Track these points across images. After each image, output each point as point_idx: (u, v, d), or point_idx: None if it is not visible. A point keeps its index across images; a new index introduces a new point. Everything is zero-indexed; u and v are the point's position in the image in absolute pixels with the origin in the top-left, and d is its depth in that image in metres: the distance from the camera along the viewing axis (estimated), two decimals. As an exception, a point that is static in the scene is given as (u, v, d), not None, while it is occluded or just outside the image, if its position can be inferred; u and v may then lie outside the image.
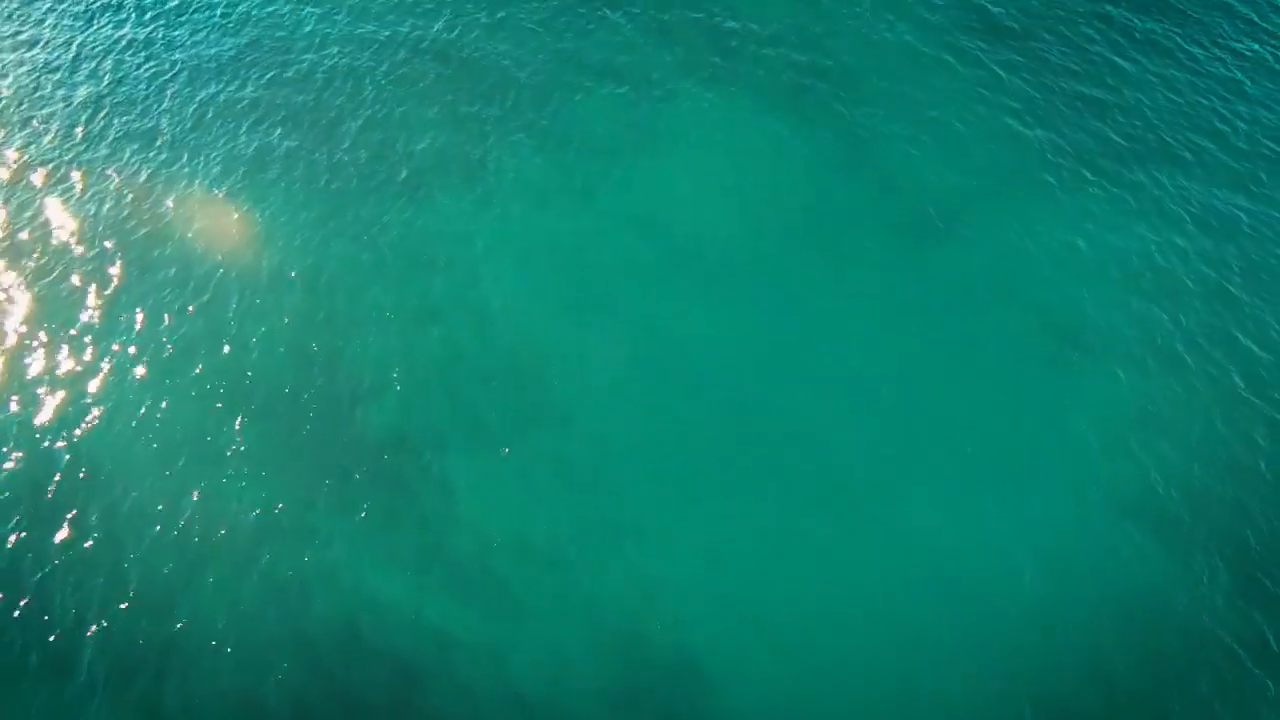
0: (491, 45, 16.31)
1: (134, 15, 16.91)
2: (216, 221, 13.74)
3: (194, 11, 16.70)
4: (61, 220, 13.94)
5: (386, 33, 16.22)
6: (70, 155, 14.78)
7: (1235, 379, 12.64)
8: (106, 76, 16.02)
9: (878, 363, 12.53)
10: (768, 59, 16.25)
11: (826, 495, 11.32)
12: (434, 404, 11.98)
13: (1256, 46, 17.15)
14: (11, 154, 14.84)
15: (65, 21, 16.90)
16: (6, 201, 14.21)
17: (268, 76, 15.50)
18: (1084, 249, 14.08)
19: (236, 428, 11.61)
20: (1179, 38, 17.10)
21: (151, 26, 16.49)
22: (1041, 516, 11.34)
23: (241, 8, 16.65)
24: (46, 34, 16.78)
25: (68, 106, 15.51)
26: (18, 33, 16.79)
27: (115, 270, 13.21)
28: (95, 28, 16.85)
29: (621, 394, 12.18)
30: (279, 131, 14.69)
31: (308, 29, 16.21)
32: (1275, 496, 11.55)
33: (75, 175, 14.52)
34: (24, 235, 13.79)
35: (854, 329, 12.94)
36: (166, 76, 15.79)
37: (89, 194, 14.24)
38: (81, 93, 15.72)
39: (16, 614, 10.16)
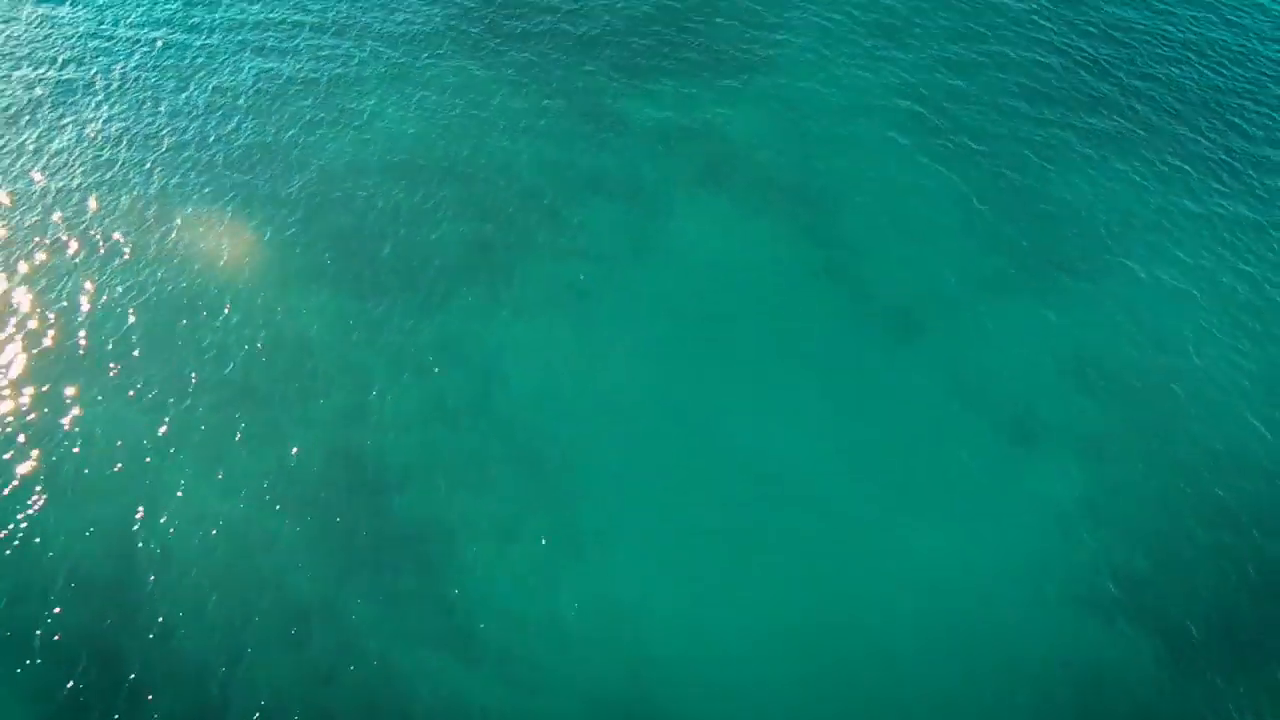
0: (512, 166, 18.15)
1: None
2: (272, 328, 15.22)
3: (248, 152, 18.16)
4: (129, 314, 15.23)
5: (420, 160, 18.09)
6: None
7: (1177, 472, 14.02)
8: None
9: (843, 456, 14.00)
10: (757, 177, 18.17)
11: (792, 581, 12.62)
12: (459, 492, 13.35)
13: (1201, 159, 18.72)
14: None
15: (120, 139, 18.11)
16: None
17: (316, 201, 17.15)
18: (1039, 350, 15.60)
19: (279, 514, 12.91)
20: (1131, 154, 18.80)
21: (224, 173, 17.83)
22: (996, 601, 12.48)
23: (288, 134, 18.30)
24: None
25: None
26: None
27: (163, 371, 14.48)
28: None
29: (627, 482, 13.58)
30: (328, 255, 16.39)
31: (346, 159, 17.97)
32: (1212, 585, 12.80)
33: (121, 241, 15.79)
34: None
35: (826, 424, 14.41)
36: (227, 199, 17.30)
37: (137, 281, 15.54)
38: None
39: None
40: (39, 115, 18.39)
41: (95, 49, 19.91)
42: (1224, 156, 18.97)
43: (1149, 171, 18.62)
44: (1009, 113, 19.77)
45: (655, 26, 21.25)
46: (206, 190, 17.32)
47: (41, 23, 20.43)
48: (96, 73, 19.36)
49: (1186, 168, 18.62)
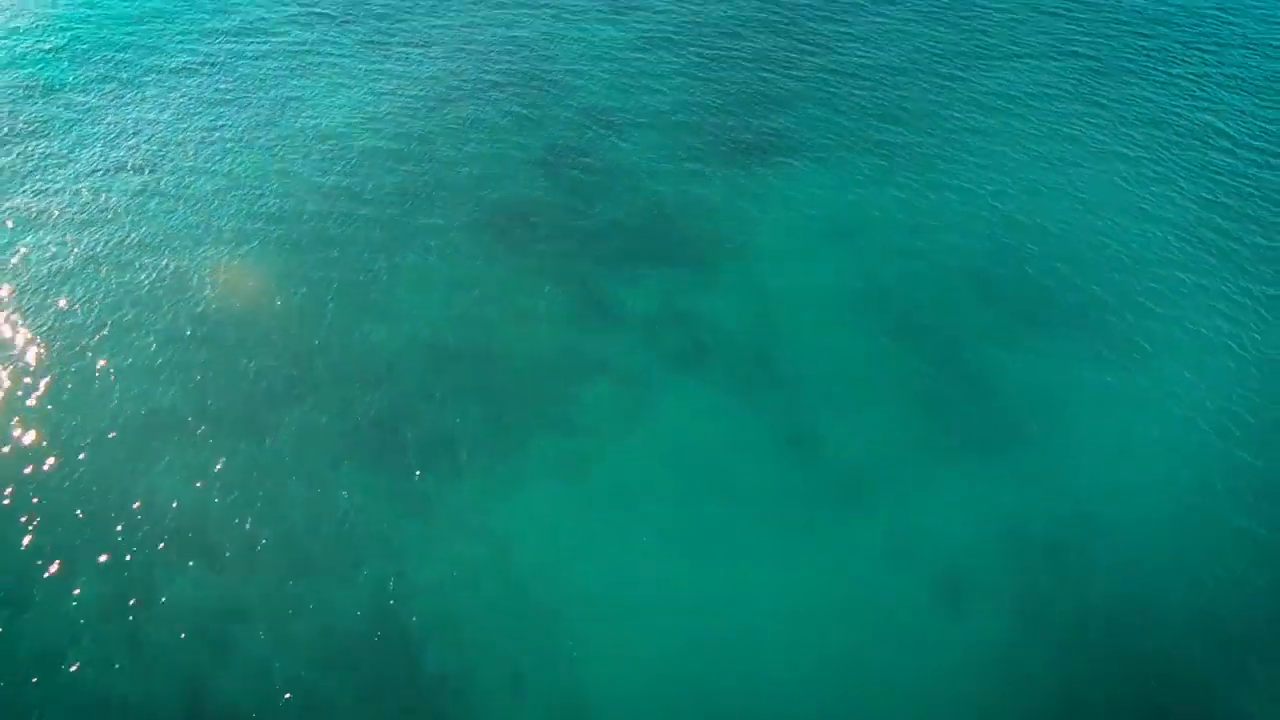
0: (507, 344, 21.50)
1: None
2: (303, 503, 18.09)
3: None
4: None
5: (440, 345, 21.45)
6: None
7: (1096, 628, 16.22)
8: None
9: (792, 621, 16.28)
10: (730, 358, 21.40)
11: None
12: (476, 653, 15.68)
13: (1130, 344, 21.71)
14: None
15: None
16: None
17: (335, 398, 20.13)
18: (970, 515, 18.06)
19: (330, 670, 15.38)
20: (1065, 337, 21.89)
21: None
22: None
23: (323, 331, 21.83)
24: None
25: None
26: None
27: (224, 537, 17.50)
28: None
29: (613, 636, 15.99)
30: (355, 435, 19.37)
31: (357, 349, 21.21)
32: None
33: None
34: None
35: (778, 589, 16.78)
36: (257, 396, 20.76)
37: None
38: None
39: None
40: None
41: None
42: (1143, 342, 21.80)
43: (1083, 353, 21.49)
44: (955, 298, 23.04)
45: (644, 223, 25.12)
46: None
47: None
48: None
49: (1119, 352, 21.43)
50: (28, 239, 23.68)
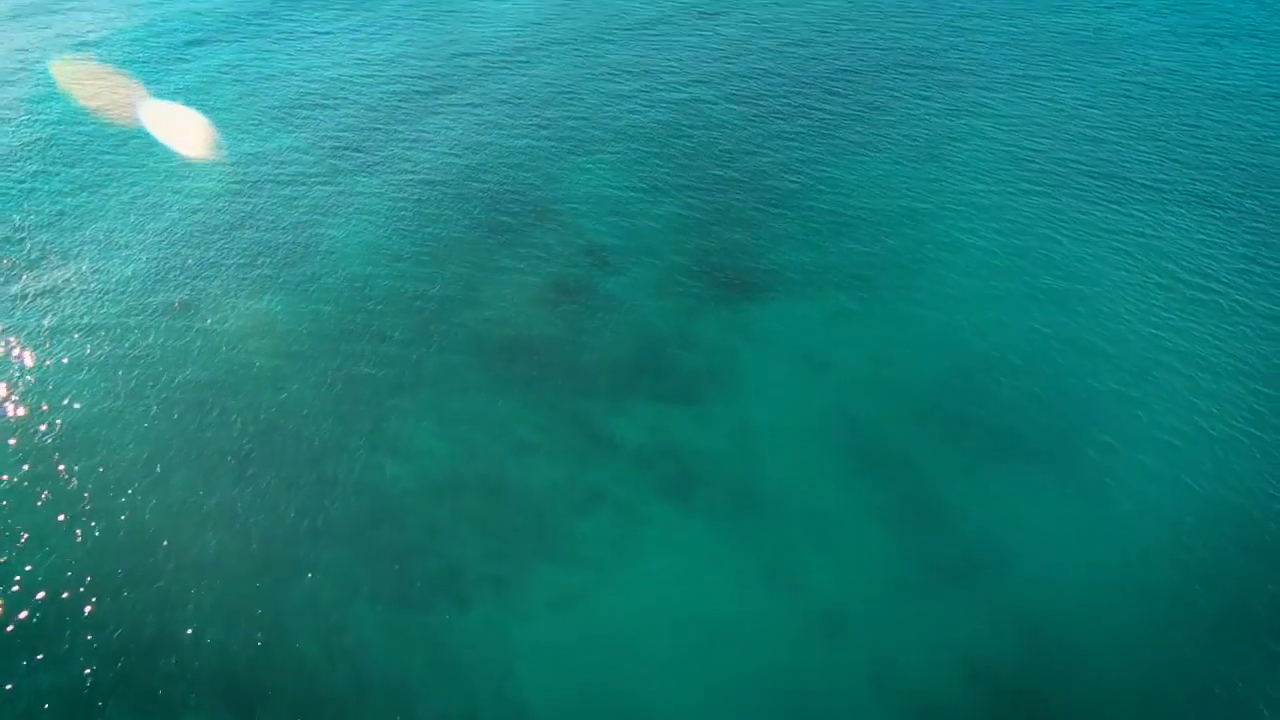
0: (510, 478, 23.40)
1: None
2: (319, 640, 19.60)
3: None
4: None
5: (445, 479, 23.41)
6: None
7: None
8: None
9: None
10: (714, 489, 23.15)
11: None
12: None
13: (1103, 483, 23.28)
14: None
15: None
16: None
17: (346, 531, 21.85)
18: (942, 648, 19.26)
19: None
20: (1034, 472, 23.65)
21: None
22: None
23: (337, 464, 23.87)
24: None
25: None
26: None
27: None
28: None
29: None
30: (366, 569, 20.97)
31: (369, 485, 23.10)
32: None
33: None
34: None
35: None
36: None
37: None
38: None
39: None
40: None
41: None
42: (1106, 478, 23.29)
43: (1046, 487, 22.95)
44: (926, 430, 24.75)
45: (638, 357, 27.34)
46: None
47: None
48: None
49: (1081, 487, 22.80)
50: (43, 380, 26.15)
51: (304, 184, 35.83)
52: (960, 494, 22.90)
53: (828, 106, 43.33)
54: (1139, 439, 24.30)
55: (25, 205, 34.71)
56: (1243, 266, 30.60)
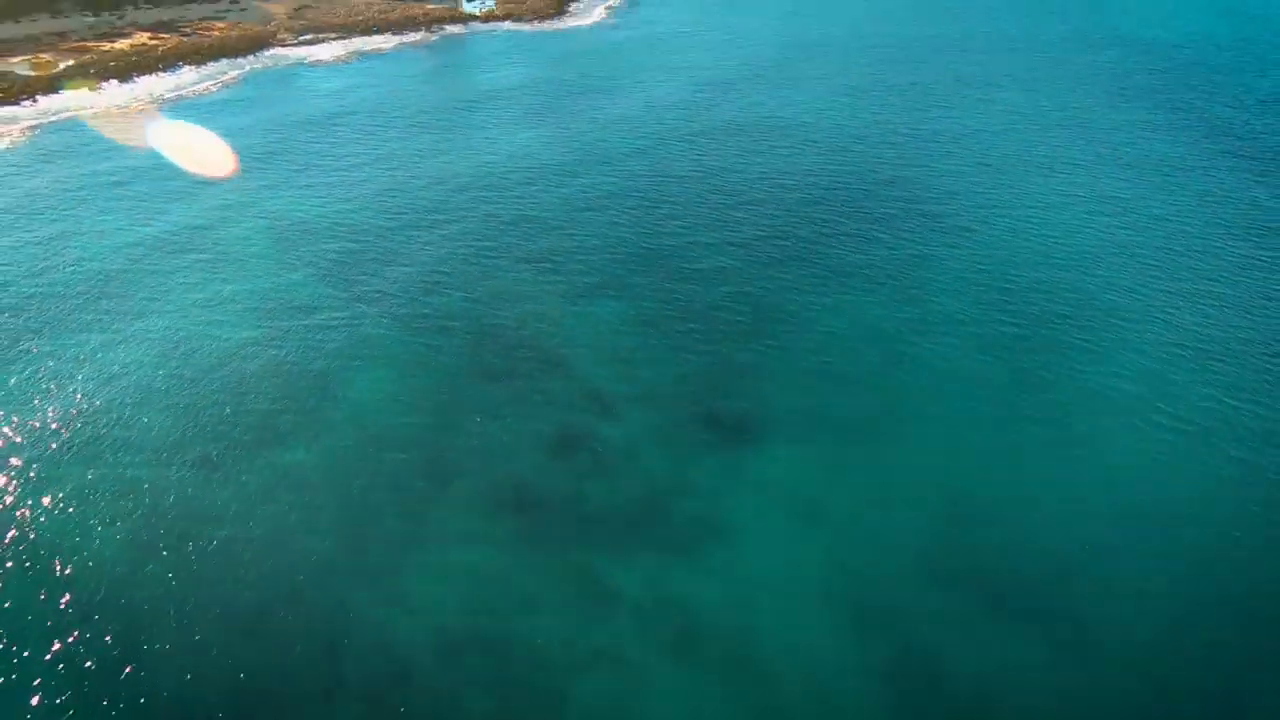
0: (514, 635, 24.13)
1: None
2: None
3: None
4: None
5: (459, 636, 24.07)
6: None
7: None
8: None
9: None
10: (708, 644, 24.06)
11: None
12: None
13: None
14: None
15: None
16: None
17: (359, 694, 22.49)
18: None
19: None
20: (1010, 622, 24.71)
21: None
22: None
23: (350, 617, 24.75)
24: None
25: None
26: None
27: None
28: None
29: None
30: None
31: (380, 643, 23.65)
32: None
33: None
34: None
35: None
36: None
37: None
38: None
39: None
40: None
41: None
42: (1084, 637, 24.32)
43: (1026, 643, 23.88)
44: (911, 584, 25.80)
45: (637, 506, 28.79)
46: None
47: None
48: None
49: (1062, 646, 23.73)
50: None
51: (327, 330, 38.38)
52: (944, 648, 23.75)
53: (823, 248, 46.66)
54: (1123, 591, 25.45)
55: (54, 344, 37.12)
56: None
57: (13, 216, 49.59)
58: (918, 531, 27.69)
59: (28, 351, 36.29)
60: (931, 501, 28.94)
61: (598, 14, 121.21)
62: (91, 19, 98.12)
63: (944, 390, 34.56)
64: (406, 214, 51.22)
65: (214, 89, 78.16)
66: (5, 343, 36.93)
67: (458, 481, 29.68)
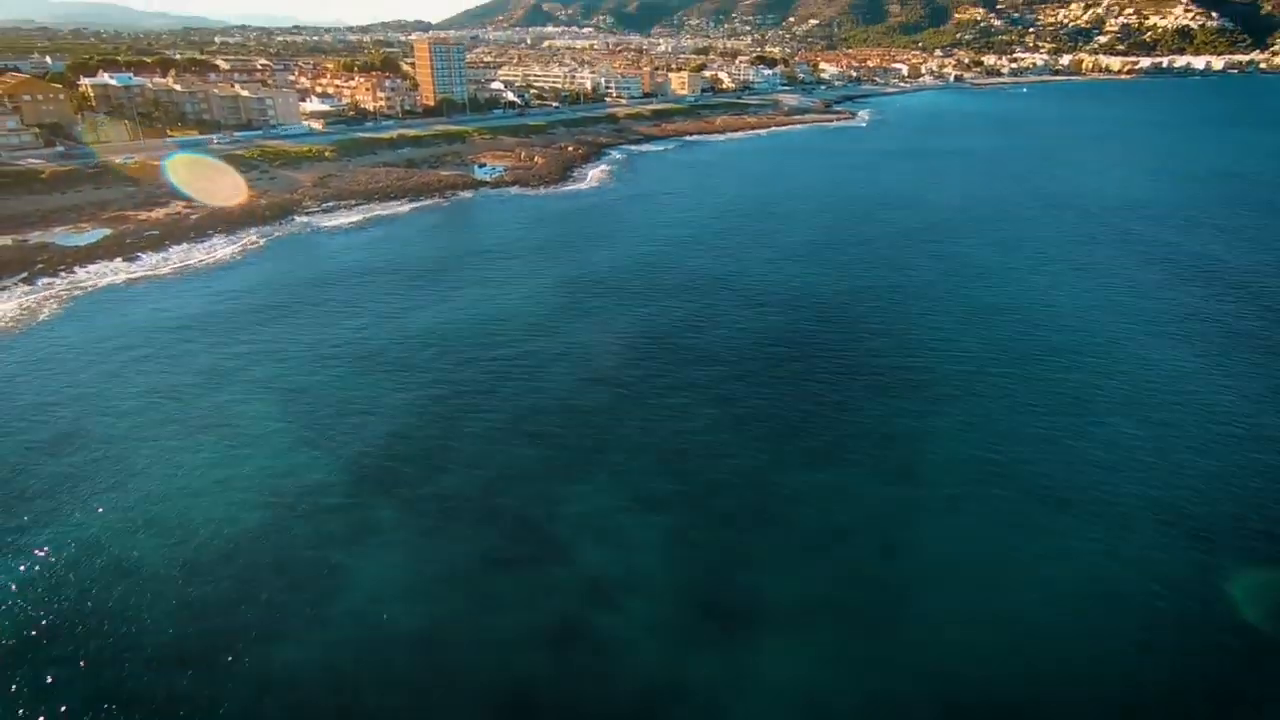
0: None
1: None
2: None
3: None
4: None
5: None
6: None
7: None
8: None
9: None
10: None
11: None
12: None
13: None
14: None
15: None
16: None
17: None
18: None
19: None
20: None
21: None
22: None
23: None
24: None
25: None
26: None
27: None
28: None
29: None
30: None
31: None
32: None
33: None
34: None
35: None
36: None
37: None
38: None
39: None
40: None
41: None
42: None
43: None
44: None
45: (630, 712, 28.70)
46: None
47: None
48: None
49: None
50: None
51: (326, 514, 39.50)
52: None
53: (815, 429, 48.75)
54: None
55: (45, 535, 38.01)
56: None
57: (30, 397, 51.92)
58: (920, 729, 27.55)
59: (27, 528, 37.17)
60: (934, 691, 28.92)
61: (596, 179, 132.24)
62: (132, 188, 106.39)
63: (939, 579, 35.25)
64: (408, 375, 53.71)
65: (240, 255, 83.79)
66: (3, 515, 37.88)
67: (458, 692, 29.68)
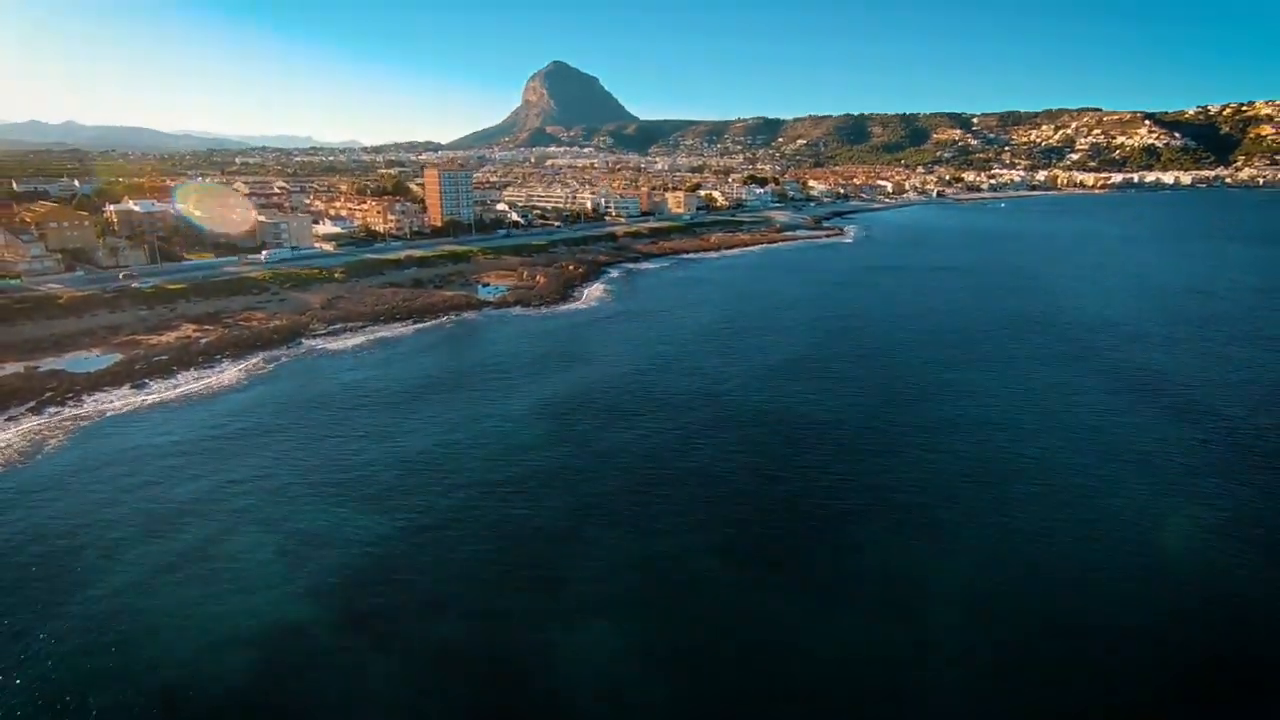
0: None
1: None
2: None
3: None
4: None
5: None
6: None
7: None
8: None
9: None
10: None
11: None
12: None
13: None
14: None
15: None
16: None
17: None
18: None
19: None
20: None
21: None
22: None
23: None
24: None
25: None
26: None
27: None
28: None
29: None
30: None
31: None
32: None
33: None
34: None
35: None
36: None
37: None
38: None
39: None
40: None
41: None
42: None
43: None
44: None
45: None
46: None
47: None
48: None
49: None
50: None
51: (322, 669, 38.90)
52: None
53: (805, 555, 48.76)
54: None
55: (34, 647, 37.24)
56: None
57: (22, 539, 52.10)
58: None
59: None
60: None
61: (595, 297, 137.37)
62: (145, 312, 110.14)
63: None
64: (400, 510, 53.93)
65: (245, 380, 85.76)
66: None
67: None
